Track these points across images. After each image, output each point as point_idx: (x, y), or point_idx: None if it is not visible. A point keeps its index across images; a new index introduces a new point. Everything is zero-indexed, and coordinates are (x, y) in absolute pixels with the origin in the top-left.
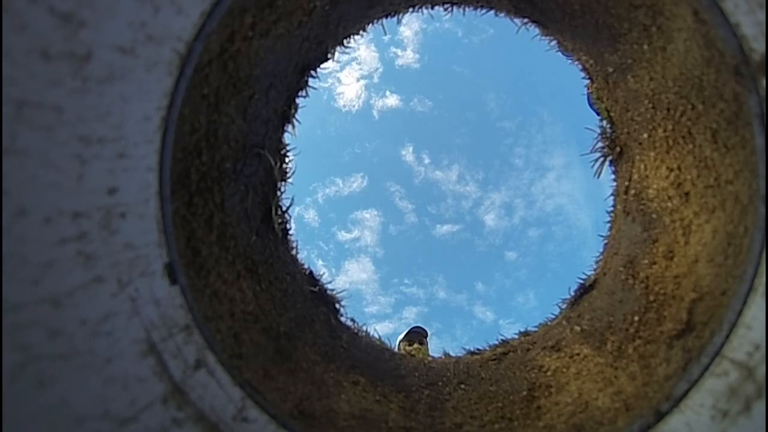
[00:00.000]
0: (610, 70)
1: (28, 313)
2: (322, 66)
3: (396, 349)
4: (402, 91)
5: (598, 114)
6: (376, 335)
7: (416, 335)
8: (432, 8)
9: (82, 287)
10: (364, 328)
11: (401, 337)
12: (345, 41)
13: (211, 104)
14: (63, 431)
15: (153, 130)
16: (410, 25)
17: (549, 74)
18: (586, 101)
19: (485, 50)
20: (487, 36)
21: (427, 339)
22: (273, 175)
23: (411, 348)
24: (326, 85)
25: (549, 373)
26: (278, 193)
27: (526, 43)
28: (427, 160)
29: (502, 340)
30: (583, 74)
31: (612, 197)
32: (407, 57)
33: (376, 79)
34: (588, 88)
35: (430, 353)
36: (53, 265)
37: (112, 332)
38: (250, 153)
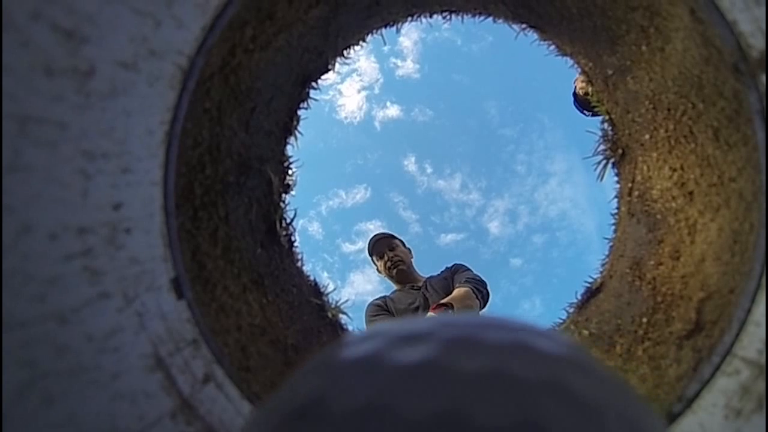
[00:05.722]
0: (610, 72)
1: (35, 330)
2: (322, 77)
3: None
4: (403, 102)
5: (582, 113)
6: None
7: (383, 243)
8: (430, 16)
9: (88, 303)
10: None
11: (371, 256)
12: (345, 52)
13: (213, 118)
14: None
15: (156, 144)
16: (409, 35)
17: (549, 80)
18: (572, 103)
19: (485, 58)
20: (486, 44)
21: (398, 240)
22: (276, 187)
23: (387, 261)
24: (327, 97)
25: None
26: (282, 205)
27: (525, 49)
28: (429, 170)
29: None
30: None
31: (615, 200)
32: (407, 67)
33: (376, 90)
34: (574, 89)
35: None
36: (59, 281)
37: (119, 348)
38: (252, 166)
